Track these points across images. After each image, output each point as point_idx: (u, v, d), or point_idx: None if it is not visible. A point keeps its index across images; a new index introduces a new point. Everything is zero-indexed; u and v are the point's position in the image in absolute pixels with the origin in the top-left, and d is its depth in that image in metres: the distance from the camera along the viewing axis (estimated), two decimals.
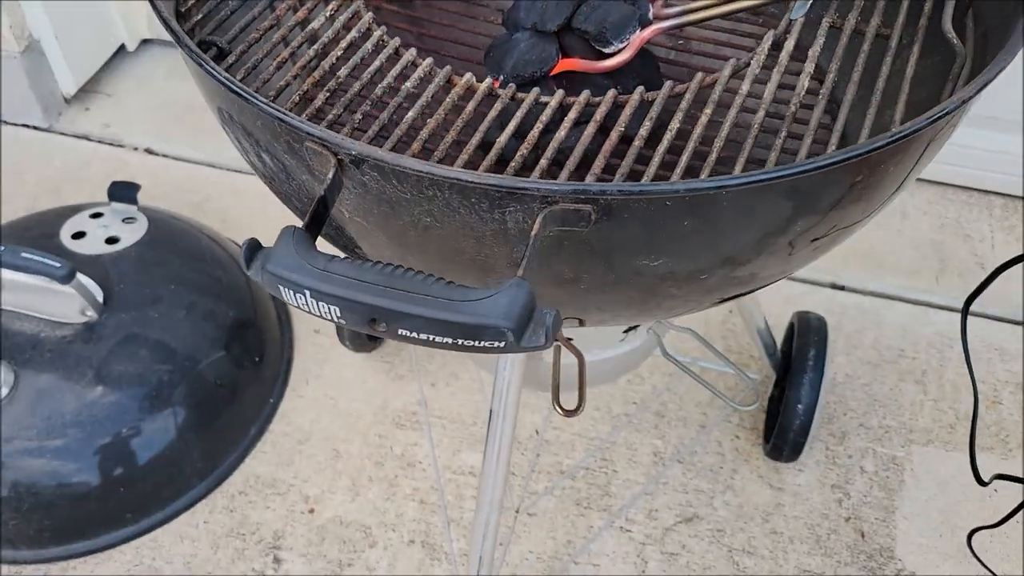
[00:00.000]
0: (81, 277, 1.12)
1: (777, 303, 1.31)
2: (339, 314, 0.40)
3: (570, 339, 0.58)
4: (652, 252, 0.47)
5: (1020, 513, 1.00)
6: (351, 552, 1.09)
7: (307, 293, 0.40)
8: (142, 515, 1.12)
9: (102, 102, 1.60)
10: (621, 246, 0.46)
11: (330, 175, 0.45)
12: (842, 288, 1.37)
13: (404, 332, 0.40)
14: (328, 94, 0.58)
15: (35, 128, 1.54)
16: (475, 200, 0.44)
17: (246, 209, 1.44)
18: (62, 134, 1.54)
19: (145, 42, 1.66)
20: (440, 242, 0.47)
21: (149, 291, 1.16)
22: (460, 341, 0.40)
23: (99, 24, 1.56)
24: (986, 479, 0.88)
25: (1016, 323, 1.32)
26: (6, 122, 1.54)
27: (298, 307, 0.42)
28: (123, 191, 1.25)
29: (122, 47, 1.62)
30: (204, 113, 1.56)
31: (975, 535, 1.08)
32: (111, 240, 1.20)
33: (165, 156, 1.52)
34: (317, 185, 0.45)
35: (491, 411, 0.76)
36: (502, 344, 0.39)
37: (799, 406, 1.05)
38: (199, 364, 1.15)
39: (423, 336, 0.40)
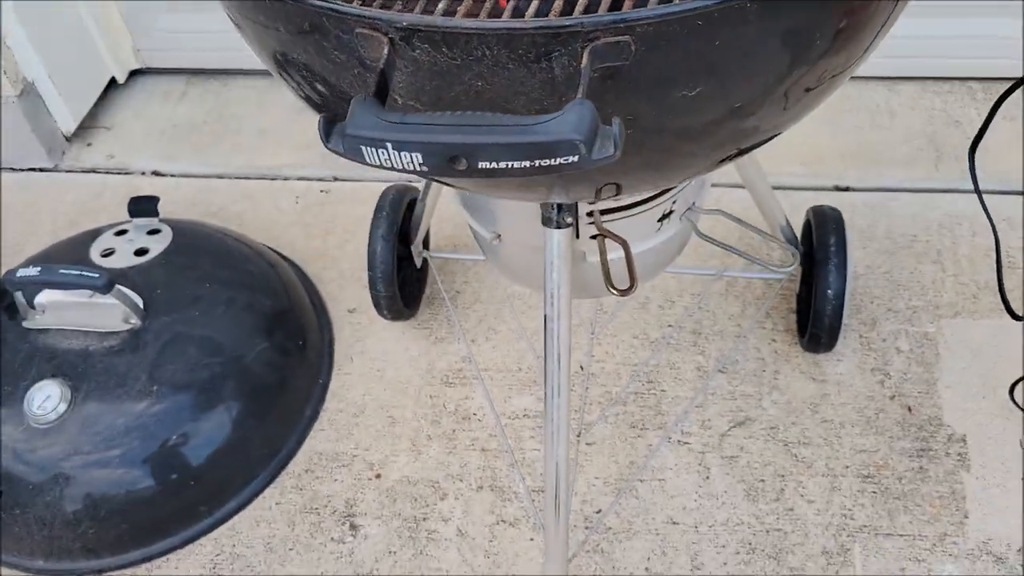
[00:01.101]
0: (120, 287, 1.15)
1: (787, 210, 1.34)
2: (421, 160, 0.44)
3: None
4: (690, 80, 0.51)
5: None
6: (424, 507, 1.12)
7: (389, 146, 0.44)
8: (215, 507, 1.15)
9: (103, 135, 1.63)
10: (661, 78, 0.50)
11: (384, 54, 0.48)
12: (847, 189, 1.40)
13: (484, 164, 0.43)
14: None
15: (41, 170, 1.58)
16: (523, 51, 0.47)
17: (260, 210, 1.48)
18: (69, 171, 1.58)
19: (134, 73, 1.70)
20: (492, 106, 0.51)
21: (187, 292, 1.19)
22: (537, 162, 0.43)
23: (88, 60, 1.59)
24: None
25: (1018, 193, 1.36)
26: (12, 168, 1.58)
27: (380, 165, 0.45)
28: (143, 205, 1.29)
29: (113, 80, 1.66)
30: (206, 130, 1.62)
31: (1016, 388, 1.11)
32: (140, 252, 1.24)
33: (173, 175, 1.56)
34: (373, 72, 0.49)
35: (545, 317, 0.79)
36: (575, 158, 0.43)
37: (829, 292, 1.08)
38: (246, 355, 1.18)
39: (502, 164, 0.43)
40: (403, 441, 1.19)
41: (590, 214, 0.77)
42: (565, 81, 0.49)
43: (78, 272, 1.10)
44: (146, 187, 1.53)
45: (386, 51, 0.48)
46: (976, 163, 0.96)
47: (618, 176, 0.63)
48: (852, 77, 1.56)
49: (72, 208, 1.52)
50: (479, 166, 0.44)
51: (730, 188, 1.35)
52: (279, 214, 1.47)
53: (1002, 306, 1.19)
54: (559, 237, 0.76)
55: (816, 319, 1.11)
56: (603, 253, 0.74)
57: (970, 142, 0.93)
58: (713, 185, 1.14)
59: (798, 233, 1.21)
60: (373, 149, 0.45)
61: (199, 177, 1.55)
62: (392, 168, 0.45)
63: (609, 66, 0.48)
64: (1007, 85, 0.84)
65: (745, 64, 0.52)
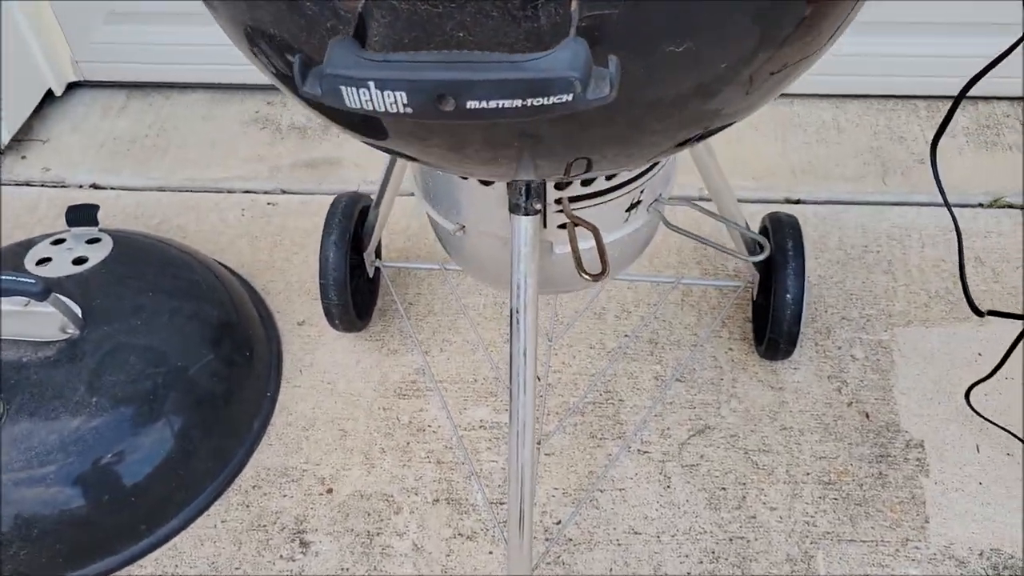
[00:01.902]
0: (57, 294, 1.10)
1: None
2: (406, 99, 0.42)
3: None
4: (677, 34, 0.50)
5: (1009, 362, 1.05)
6: (378, 522, 1.08)
7: (371, 85, 0.42)
8: (157, 525, 1.09)
9: (38, 148, 1.57)
10: (650, 29, 0.49)
11: (360, 1, 0.46)
12: (798, 202, 1.42)
13: (473, 104, 0.41)
14: None
15: None
16: None
17: (205, 223, 1.43)
18: (2, 184, 1.51)
19: (73, 85, 1.65)
20: None
21: (128, 302, 1.14)
22: (529, 101, 0.41)
23: (24, 71, 1.54)
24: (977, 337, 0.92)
25: (961, 206, 1.39)
26: None
27: (362, 107, 0.43)
28: (82, 214, 1.23)
29: (50, 92, 1.60)
30: (147, 143, 1.57)
31: (972, 392, 1.12)
32: (79, 261, 1.18)
33: (113, 188, 1.50)
34: (348, 24, 0.47)
35: (511, 310, 0.77)
36: (570, 97, 0.41)
37: (788, 296, 1.08)
38: (190, 366, 1.13)
39: (492, 104, 0.41)
40: (355, 455, 1.14)
41: (558, 202, 0.75)
42: (551, 31, 0.47)
43: (12, 278, 1.04)
44: (84, 199, 1.47)
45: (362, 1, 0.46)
46: (924, 176, 0.98)
47: (588, 149, 0.62)
48: (801, 95, 1.59)
49: (6, 221, 1.45)
50: (468, 106, 0.42)
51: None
52: (224, 227, 1.42)
53: (953, 313, 1.21)
54: (527, 225, 0.74)
55: (775, 324, 1.10)
56: (573, 239, 0.73)
57: (914, 157, 0.95)
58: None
59: None
60: (354, 89, 0.42)
61: (140, 190, 1.50)
62: (374, 111, 0.43)
63: (599, 14, 0.47)
64: (949, 104, 0.85)
65: (725, 26, 0.52)
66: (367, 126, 0.65)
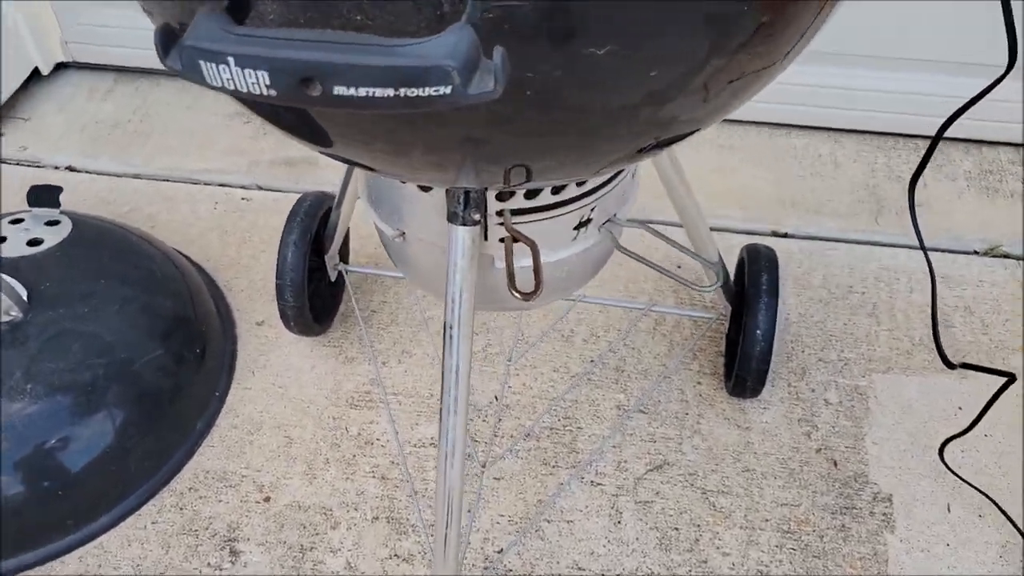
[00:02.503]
0: (1, 275, 1.07)
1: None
2: (268, 80, 0.37)
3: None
4: (598, 34, 0.45)
5: (987, 419, 1.00)
6: (313, 535, 1.04)
7: (231, 61, 0.37)
8: (85, 522, 1.05)
9: (18, 126, 1.55)
10: (564, 26, 0.45)
11: None
12: (785, 235, 1.37)
13: (341, 90, 0.37)
14: None
15: None
16: None
17: (176, 214, 1.40)
18: None
19: (60, 66, 1.62)
20: None
21: (78, 288, 1.11)
22: (403, 92, 0.37)
23: (11, 48, 1.51)
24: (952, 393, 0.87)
25: (956, 252, 1.33)
26: None
27: (222, 86, 0.39)
28: (44, 195, 1.20)
29: (36, 71, 1.58)
30: (130, 129, 1.54)
31: (946, 448, 1.07)
32: (33, 242, 1.15)
33: (88, 172, 1.47)
34: None
35: (444, 324, 0.73)
36: (448, 89, 0.37)
37: (758, 331, 1.03)
38: (136, 359, 1.09)
39: (362, 92, 0.37)
40: (298, 464, 1.10)
41: (500, 214, 0.71)
42: (456, 20, 0.43)
43: None
44: (56, 181, 1.44)
45: None
46: (919, 221, 0.93)
47: (526, 155, 0.57)
48: (799, 126, 1.54)
49: None
50: (335, 92, 0.37)
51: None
52: (195, 219, 1.39)
53: (936, 363, 1.15)
54: (464, 235, 0.70)
55: (743, 360, 1.06)
56: (509, 254, 0.68)
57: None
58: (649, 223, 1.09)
59: (731, 273, 1.16)
60: (213, 65, 0.38)
61: (116, 176, 1.47)
62: (236, 92, 0.39)
63: (506, 5, 0.42)
64: (953, 144, 0.80)
65: (660, 28, 0.47)
66: (305, 128, 0.61)
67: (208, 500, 1.07)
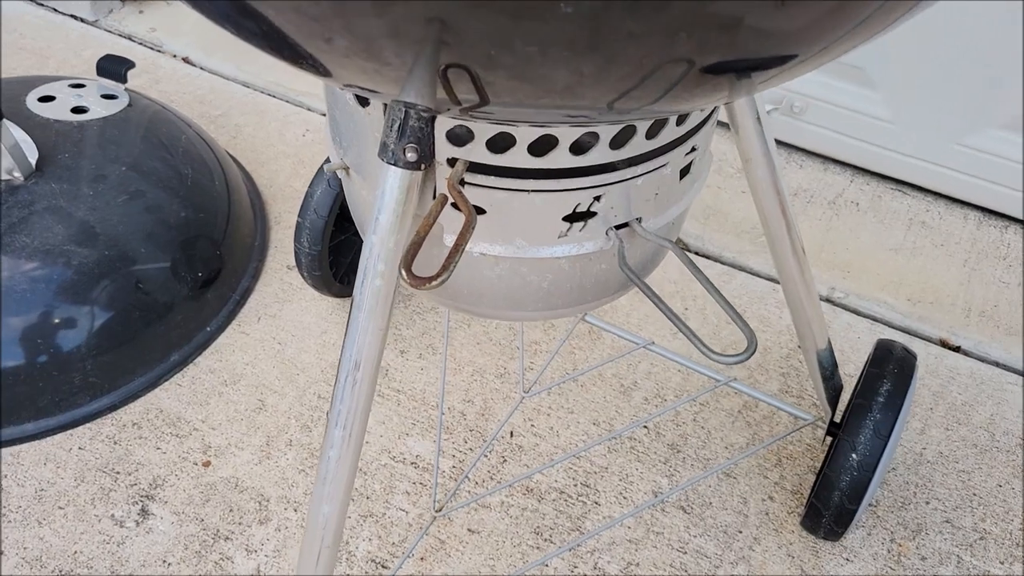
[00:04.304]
0: (14, 130, 0.95)
1: (859, 344, 1.01)
2: None
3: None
4: None
5: None
6: (233, 523, 0.85)
7: None
8: (9, 422, 0.91)
9: (158, 8, 1.47)
10: None
11: None
12: (956, 349, 1.04)
13: None
14: None
15: (82, 20, 1.43)
16: None
17: (261, 130, 1.26)
18: (107, 31, 1.42)
19: None
20: None
21: (93, 167, 0.98)
22: None
23: None
24: None
25: None
26: (56, 9, 1.44)
27: None
28: (112, 66, 1.09)
29: None
30: None
31: None
32: (78, 110, 1.04)
33: (200, 68, 1.37)
34: None
35: (352, 302, 0.51)
36: None
37: (853, 456, 0.74)
38: (122, 261, 0.95)
39: None
40: (258, 435, 0.92)
41: (452, 162, 0.49)
42: None
43: None
44: (165, 68, 1.35)
45: None
46: None
47: (462, 48, 0.35)
48: (1018, 220, 1.20)
49: (84, 63, 1.35)
50: None
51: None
52: (278, 140, 1.24)
53: None
54: (393, 181, 0.48)
55: (823, 487, 0.77)
56: (431, 216, 0.46)
57: None
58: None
59: (857, 371, 0.87)
60: None
61: (222, 77, 1.35)
62: None
63: None
64: None
65: None
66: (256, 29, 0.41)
67: (146, 443, 0.91)
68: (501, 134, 0.48)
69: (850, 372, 0.98)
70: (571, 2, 0.32)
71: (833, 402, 0.80)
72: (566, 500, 0.88)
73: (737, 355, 0.47)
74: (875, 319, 1.06)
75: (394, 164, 0.48)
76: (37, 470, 0.89)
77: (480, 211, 0.51)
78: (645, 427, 0.94)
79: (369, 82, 0.42)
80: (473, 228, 0.46)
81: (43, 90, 1.06)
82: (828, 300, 1.07)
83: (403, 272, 0.43)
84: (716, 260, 1.12)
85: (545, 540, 0.85)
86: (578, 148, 0.48)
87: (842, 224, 1.18)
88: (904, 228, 1.18)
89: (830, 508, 0.77)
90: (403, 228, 0.50)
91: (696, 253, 1.13)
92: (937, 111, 1.12)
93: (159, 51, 1.38)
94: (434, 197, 0.52)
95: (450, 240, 0.53)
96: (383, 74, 0.41)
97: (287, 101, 1.31)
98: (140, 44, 1.39)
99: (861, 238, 1.16)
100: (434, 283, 0.43)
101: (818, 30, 0.36)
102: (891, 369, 0.77)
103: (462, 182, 0.49)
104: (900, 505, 0.89)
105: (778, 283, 1.07)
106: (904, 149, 1.18)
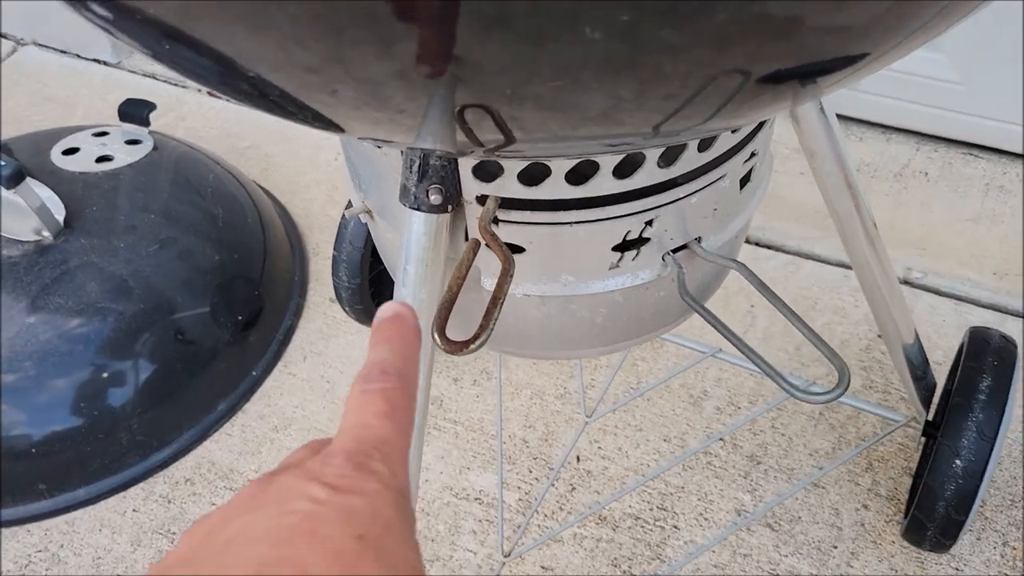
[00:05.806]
0: (39, 189, 0.92)
1: (946, 330, 0.93)
2: None
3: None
4: None
5: None
6: None
7: None
8: (60, 489, 0.88)
9: None
10: None
11: None
12: None
13: None
14: None
15: (104, 63, 1.41)
16: None
17: (293, 159, 1.22)
18: (130, 71, 1.40)
19: None
20: None
21: (122, 218, 0.95)
22: None
23: None
24: None
25: None
26: (79, 55, 1.42)
27: None
28: (133, 110, 1.06)
29: None
30: None
31: None
32: (103, 159, 1.01)
33: (225, 100, 1.33)
34: None
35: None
36: None
37: (956, 462, 0.67)
38: (158, 312, 0.91)
39: None
40: None
41: (482, 200, 0.43)
42: None
43: None
44: (190, 104, 1.32)
45: None
46: None
47: (479, 84, 0.30)
48: None
49: (110, 106, 1.33)
50: None
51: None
52: (310, 167, 1.20)
53: None
54: (419, 226, 0.43)
55: (925, 497, 0.70)
56: (463, 265, 0.41)
57: None
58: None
59: (946, 359, 0.80)
60: None
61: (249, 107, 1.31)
62: None
63: None
64: None
65: None
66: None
67: (200, 499, 0.88)
68: (535, 164, 0.43)
69: (938, 359, 0.90)
70: (596, 19, 0.26)
71: (926, 401, 0.73)
72: (643, 527, 0.82)
73: (827, 392, 0.41)
74: (960, 298, 0.98)
75: (417, 209, 0.43)
76: (93, 537, 0.86)
77: (519, 250, 0.46)
78: (721, 440, 0.87)
79: (383, 132, 0.37)
80: (511, 276, 0.40)
81: (67, 142, 1.04)
82: (906, 282, 1.00)
83: (436, 337, 0.38)
84: (779, 249, 1.05)
85: (624, 573, 0.79)
86: (622, 171, 0.42)
87: (912, 197, 1.10)
88: (980, 195, 1.09)
89: (935, 520, 0.70)
90: (435, 277, 0.44)
91: (756, 244, 1.06)
92: (1010, 65, 1.04)
93: (183, 87, 1.35)
94: (466, 238, 0.46)
95: (489, 284, 0.48)
96: (396, 122, 0.35)
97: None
98: (164, 82, 1.37)
99: (934, 210, 1.08)
100: (472, 347, 0.38)
101: (894, 19, 0.30)
102: (990, 362, 0.69)
103: (495, 220, 0.44)
104: (1009, 503, 0.81)
105: (850, 268, 0.99)
106: (975, 110, 1.09)
